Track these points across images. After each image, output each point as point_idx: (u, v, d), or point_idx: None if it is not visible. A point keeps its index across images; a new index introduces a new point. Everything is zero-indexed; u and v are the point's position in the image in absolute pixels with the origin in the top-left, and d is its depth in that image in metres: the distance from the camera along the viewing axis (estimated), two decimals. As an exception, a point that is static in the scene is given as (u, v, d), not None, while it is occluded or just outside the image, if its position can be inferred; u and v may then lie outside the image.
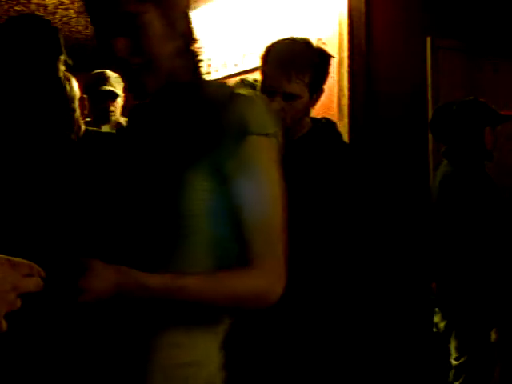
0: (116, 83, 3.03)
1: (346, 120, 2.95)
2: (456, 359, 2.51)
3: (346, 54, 2.95)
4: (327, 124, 1.82)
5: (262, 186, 1.06)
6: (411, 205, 3.06)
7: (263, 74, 1.74)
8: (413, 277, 3.00)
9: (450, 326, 2.53)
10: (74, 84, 2.07)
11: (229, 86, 1.16)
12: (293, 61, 1.66)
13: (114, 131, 2.78)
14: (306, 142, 1.73)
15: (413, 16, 3.20)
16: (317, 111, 3.25)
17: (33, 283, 0.89)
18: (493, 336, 2.51)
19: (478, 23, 3.34)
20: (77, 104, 2.05)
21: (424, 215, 2.69)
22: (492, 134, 2.64)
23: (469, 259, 2.49)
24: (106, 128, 2.97)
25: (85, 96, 2.11)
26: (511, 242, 2.57)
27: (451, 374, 2.55)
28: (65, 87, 1.64)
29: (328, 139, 1.76)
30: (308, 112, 1.77)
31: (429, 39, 3.20)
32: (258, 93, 1.78)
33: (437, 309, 2.63)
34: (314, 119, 1.81)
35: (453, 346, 2.53)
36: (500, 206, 2.60)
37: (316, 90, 1.72)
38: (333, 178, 1.67)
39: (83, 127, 2.10)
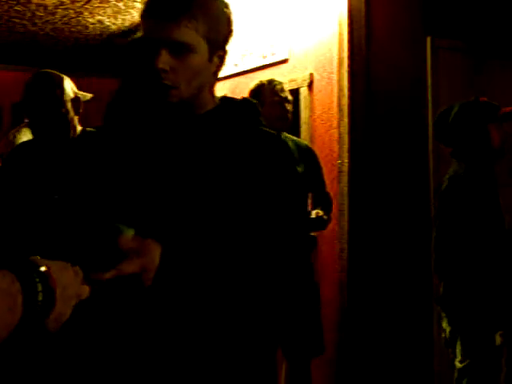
0: None
1: (346, 120, 2.95)
2: (460, 362, 2.49)
3: (346, 54, 2.95)
4: (244, 102, 1.38)
5: None
6: (411, 205, 3.06)
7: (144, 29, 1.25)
8: (412, 277, 3.01)
9: (455, 329, 2.51)
10: (67, 85, 2.06)
11: None
12: (181, 1, 1.21)
13: None
14: (211, 119, 1.30)
15: (413, 16, 3.20)
16: (317, 111, 3.26)
17: (87, 291, 0.93)
18: (498, 339, 2.49)
19: (478, 23, 3.34)
20: (69, 105, 2.06)
21: (426, 215, 2.68)
22: (498, 130, 2.59)
23: (474, 261, 2.48)
24: None
25: (80, 96, 2.11)
26: None
27: (455, 376, 2.53)
28: None
29: (241, 118, 1.32)
30: (211, 83, 1.31)
31: (429, 39, 3.20)
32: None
33: (443, 314, 2.60)
34: (225, 97, 1.38)
35: (458, 349, 2.51)
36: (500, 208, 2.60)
37: (216, 49, 1.26)
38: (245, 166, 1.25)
39: (79, 128, 2.10)
